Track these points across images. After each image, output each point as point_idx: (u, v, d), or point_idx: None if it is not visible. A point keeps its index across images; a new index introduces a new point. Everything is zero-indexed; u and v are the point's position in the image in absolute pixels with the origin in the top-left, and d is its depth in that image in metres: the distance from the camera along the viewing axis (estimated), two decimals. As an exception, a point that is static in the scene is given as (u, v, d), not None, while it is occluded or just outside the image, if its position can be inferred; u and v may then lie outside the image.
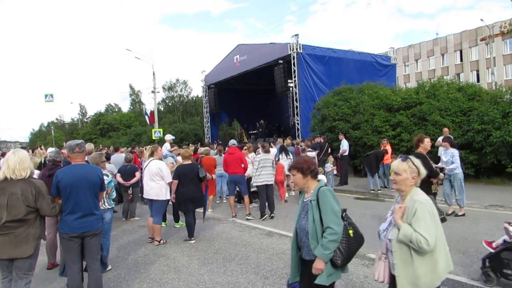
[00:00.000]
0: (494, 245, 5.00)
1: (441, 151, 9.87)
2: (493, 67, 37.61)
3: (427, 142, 6.36)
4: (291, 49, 19.66)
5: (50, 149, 11.60)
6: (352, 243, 3.19)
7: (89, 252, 4.45)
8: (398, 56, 30.79)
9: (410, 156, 3.00)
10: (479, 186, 12.34)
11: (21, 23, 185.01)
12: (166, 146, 12.34)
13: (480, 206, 9.55)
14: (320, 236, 3.14)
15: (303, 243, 3.32)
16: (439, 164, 8.89)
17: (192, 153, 9.54)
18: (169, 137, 13.32)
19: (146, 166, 7.62)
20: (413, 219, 2.73)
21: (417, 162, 2.94)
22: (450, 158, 8.73)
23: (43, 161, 9.37)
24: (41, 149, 12.65)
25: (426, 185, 5.44)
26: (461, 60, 48.05)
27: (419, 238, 2.65)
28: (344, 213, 3.23)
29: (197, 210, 7.88)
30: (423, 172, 2.94)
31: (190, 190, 7.47)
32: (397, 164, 2.97)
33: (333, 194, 3.27)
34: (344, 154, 14.12)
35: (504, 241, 4.86)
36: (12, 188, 3.84)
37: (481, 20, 30.94)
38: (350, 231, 3.18)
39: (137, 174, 9.73)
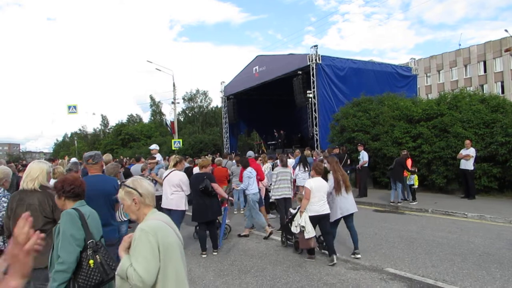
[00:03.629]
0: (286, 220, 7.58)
1: None
2: (517, 78, 36.74)
3: None
4: (310, 60, 19.65)
5: (73, 160, 11.83)
6: (92, 276, 2.74)
7: (105, 262, 4.48)
8: (419, 67, 30.40)
9: (126, 182, 2.58)
10: (502, 200, 11.99)
11: (47, 36, 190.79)
12: (161, 158, 11.63)
13: (504, 221, 9.26)
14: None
15: None
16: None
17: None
18: (155, 146, 12.00)
19: (166, 176, 7.63)
20: (131, 251, 2.29)
21: (133, 183, 2.53)
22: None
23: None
24: (65, 159, 12.87)
25: None
26: (485, 71, 47.14)
27: (132, 273, 2.19)
28: (93, 241, 2.83)
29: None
30: (145, 190, 2.50)
31: (198, 201, 7.34)
32: (119, 193, 2.57)
33: (73, 217, 2.85)
34: (364, 165, 13.95)
35: (289, 218, 7.49)
36: (30, 199, 3.90)
37: (506, 31, 30.20)
38: (91, 261, 2.74)
39: None
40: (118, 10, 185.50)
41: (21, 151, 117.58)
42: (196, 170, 10.12)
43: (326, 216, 6.64)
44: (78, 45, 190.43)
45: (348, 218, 6.88)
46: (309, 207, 6.56)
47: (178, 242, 2.46)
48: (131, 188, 2.48)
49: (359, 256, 6.67)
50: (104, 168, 6.38)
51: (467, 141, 12.13)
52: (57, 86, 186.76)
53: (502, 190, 12.71)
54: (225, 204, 8.17)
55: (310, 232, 6.49)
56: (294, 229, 6.81)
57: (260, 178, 9.59)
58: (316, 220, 6.58)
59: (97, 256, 2.78)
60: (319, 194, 6.57)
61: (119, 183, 5.96)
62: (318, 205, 6.55)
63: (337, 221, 6.90)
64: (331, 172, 7.00)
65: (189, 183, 7.48)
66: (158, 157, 11.14)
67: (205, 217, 7.35)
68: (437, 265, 6.19)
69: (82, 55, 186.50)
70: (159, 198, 8.40)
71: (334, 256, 6.40)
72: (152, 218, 2.44)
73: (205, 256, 7.27)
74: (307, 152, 14.84)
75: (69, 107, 24.81)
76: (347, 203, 6.83)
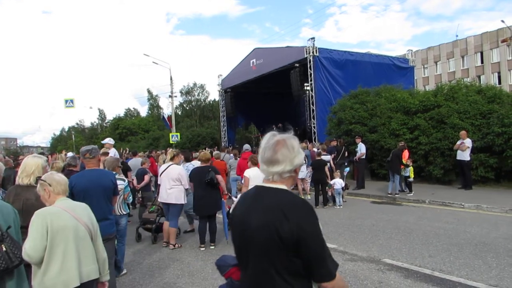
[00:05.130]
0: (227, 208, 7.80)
1: None
2: (514, 69, 36.70)
3: None
4: (308, 52, 19.59)
5: (70, 154, 11.81)
6: None
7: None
8: (417, 59, 30.36)
9: (42, 177, 3.11)
10: (499, 190, 12.06)
11: (43, 29, 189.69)
12: (114, 152, 10.74)
13: (501, 211, 9.32)
14: None
15: None
16: None
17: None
18: (109, 140, 10.93)
19: (164, 170, 7.60)
20: None
21: (45, 176, 3.07)
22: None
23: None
24: (63, 154, 12.80)
25: None
26: (482, 62, 47.11)
27: (23, 250, 2.73)
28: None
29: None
30: (53, 181, 3.01)
31: (199, 194, 7.31)
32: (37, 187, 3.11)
33: None
34: (362, 157, 13.98)
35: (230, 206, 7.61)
36: (27, 194, 3.81)
37: (502, 21, 30.12)
38: None
39: (146, 177, 9.72)
40: (114, 3, 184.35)
41: (18, 145, 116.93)
42: (195, 163, 10.13)
43: None
44: (75, 38, 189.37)
45: None
46: None
47: (76, 226, 2.89)
48: (44, 181, 3.00)
49: None
50: (104, 160, 6.40)
51: (462, 132, 12.16)
52: (55, 80, 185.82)
53: (499, 180, 12.77)
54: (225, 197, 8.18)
55: None
56: None
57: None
58: None
59: (2, 245, 2.91)
60: (257, 181, 7.09)
61: (117, 177, 5.99)
62: None
63: None
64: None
65: (190, 176, 7.50)
66: (112, 152, 10.08)
67: (206, 211, 7.35)
68: (434, 255, 6.23)
69: (79, 49, 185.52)
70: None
71: None
72: (55, 205, 2.93)
73: (203, 249, 7.29)
74: (302, 144, 14.88)
75: (66, 101, 24.62)
76: None
